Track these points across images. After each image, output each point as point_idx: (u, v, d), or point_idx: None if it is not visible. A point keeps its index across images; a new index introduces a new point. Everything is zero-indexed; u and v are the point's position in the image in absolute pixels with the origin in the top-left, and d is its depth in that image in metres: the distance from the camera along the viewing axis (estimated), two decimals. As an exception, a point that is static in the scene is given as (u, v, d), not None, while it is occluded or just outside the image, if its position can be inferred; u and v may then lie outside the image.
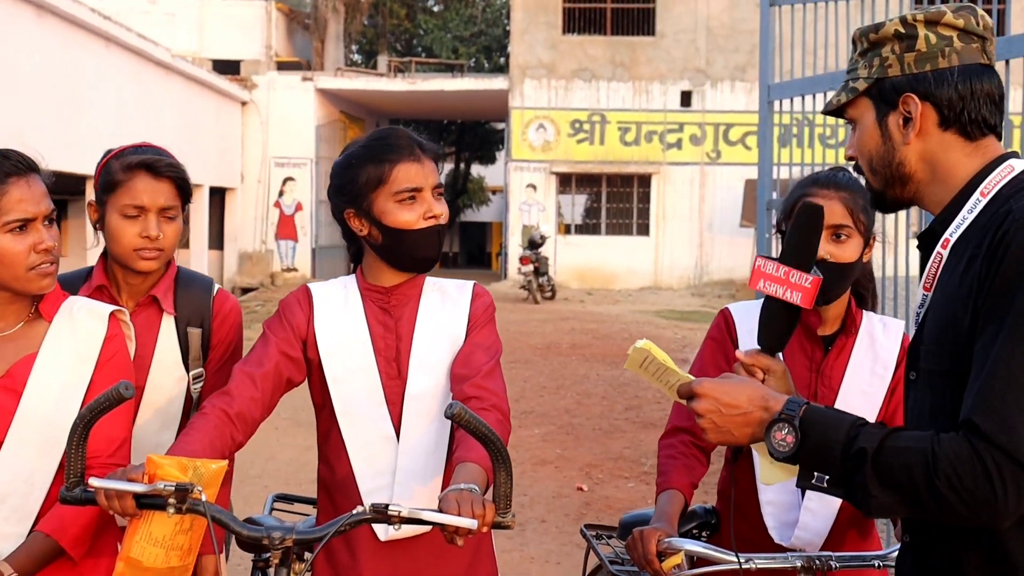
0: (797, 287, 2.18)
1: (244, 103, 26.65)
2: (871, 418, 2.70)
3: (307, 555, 3.02)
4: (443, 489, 2.64)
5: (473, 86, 27.93)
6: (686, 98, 26.19)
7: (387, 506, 2.12)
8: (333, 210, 2.74)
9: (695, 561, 2.74)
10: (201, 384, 2.89)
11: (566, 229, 27.00)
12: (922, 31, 1.96)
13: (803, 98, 6.04)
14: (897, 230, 5.40)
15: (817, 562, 2.60)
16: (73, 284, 2.84)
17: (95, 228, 2.85)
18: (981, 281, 1.82)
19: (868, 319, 2.93)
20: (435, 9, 39.91)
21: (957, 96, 1.94)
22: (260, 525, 2.22)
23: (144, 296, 2.86)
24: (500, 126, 36.76)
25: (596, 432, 9.99)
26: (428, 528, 2.35)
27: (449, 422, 2.67)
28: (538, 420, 10.34)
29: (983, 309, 1.81)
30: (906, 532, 2.03)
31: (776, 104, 6.29)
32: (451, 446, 2.67)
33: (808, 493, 2.84)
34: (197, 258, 22.19)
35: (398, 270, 2.71)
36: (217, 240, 25.72)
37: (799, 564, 2.60)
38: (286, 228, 27.10)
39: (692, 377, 2.11)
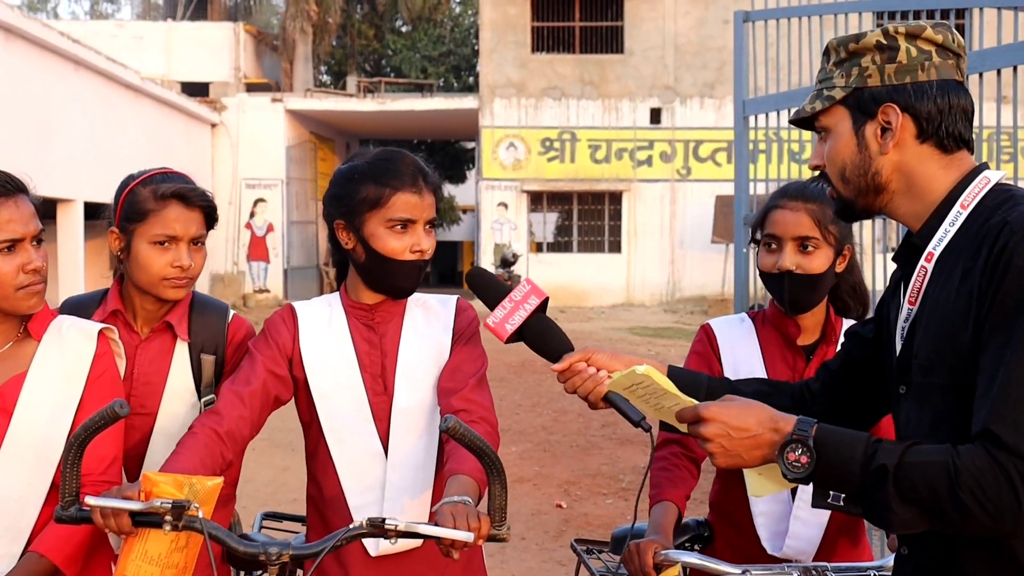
0: (525, 299, 2.38)
1: (214, 125, 26.59)
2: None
3: (299, 572, 3.01)
4: (433, 502, 2.65)
5: (443, 106, 27.95)
6: (655, 115, 26.31)
7: (384, 520, 2.12)
8: (325, 214, 2.75)
9: (688, 573, 2.76)
10: None
11: (538, 247, 27.02)
12: (903, 43, 1.99)
13: (778, 113, 6.09)
14: (862, 242, 5.43)
15: (814, 572, 2.61)
16: (87, 307, 2.82)
17: (118, 257, 2.80)
18: (982, 293, 1.83)
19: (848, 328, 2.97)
20: (403, 29, 39.91)
21: (936, 109, 1.96)
22: (255, 541, 2.22)
23: (159, 322, 2.82)
24: (470, 145, 36.80)
25: (573, 449, 10.00)
26: (420, 542, 2.36)
27: (437, 436, 2.69)
28: (515, 438, 10.33)
29: (987, 321, 1.82)
30: (903, 544, 2.03)
31: (751, 120, 6.34)
32: (439, 460, 2.68)
33: (797, 502, 2.86)
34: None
35: (374, 291, 2.72)
36: (188, 262, 25.56)
37: (796, 575, 2.60)
38: (258, 249, 27.00)
39: (695, 401, 2.08)
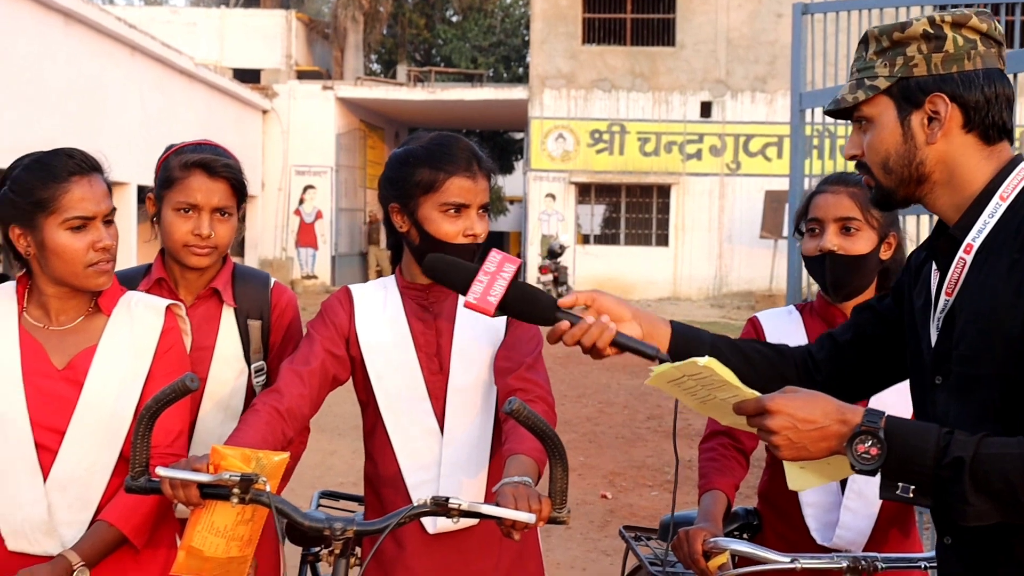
0: (500, 268, 2.22)
1: (265, 111, 26.76)
2: (906, 414, 2.73)
3: (357, 549, 3.05)
4: (489, 481, 2.68)
5: (492, 96, 27.96)
6: (706, 109, 26.16)
7: (448, 499, 2.14)
8: (380, 197, 2.78)
9: (737, 561, 2.77)
10: (263, 377, 2.91)
11: (585, 239, 26.99)
12: (950, 32, 1.97)
13: (834, 107, 6.03)
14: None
15: (863, 563, 2.59)
16: (133, 279, 2.87)
17: (152, 222, 2.88)
18: None
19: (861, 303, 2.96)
20: (454, 19, 39.95)
21: (983, 99, 1.95)
22: (319, 517, 2.25)
23: (203, 289, 2.87)
24: (519, 136, 36.76)
25: (619, 440, 10.01)
26: (476, 521, 2.38)
27: (492, 415, 2.71)
28: (560, 428, 10.19)
29: None
30: (946, 534, 2.01)
31: (807, 114, 6.30)
32: (495, 438, 2.70)
33: (848, 492, 2.86)
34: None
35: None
36: (238, 247, 25.78)
37: (845, 565, 2.59)
38: (306, 236, 27.17)
39: (757, 393, 1.98)
